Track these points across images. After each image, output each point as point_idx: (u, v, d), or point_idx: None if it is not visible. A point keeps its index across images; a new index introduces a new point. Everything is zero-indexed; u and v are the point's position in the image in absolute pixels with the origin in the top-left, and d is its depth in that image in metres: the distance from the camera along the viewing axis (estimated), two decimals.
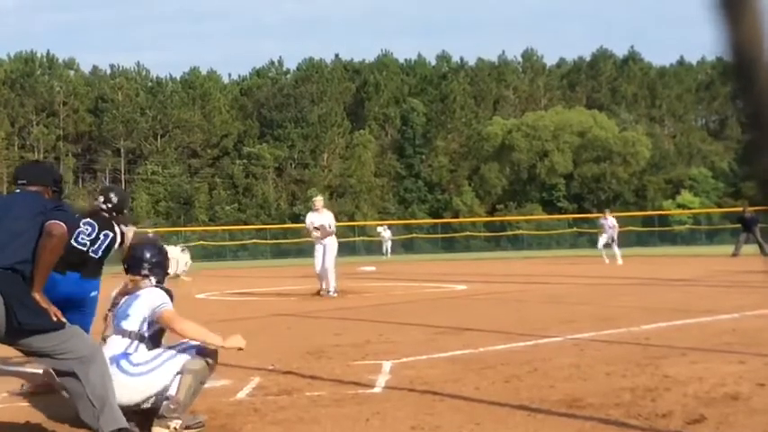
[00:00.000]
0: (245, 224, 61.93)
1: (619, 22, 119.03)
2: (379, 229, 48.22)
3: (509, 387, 5.88)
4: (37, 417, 5.44)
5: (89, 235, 6.69)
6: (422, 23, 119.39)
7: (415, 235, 57.50)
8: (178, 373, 4.90)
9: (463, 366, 6.89)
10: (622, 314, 10.76)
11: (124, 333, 5.03)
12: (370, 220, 61.02)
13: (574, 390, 5.64)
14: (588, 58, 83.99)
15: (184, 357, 4.97)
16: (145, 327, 5.04)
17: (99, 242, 6.73)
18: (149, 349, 5.02)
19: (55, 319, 4.49)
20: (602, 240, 27.37)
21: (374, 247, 48.76)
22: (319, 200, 17.09)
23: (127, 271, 5.45)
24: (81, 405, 4.51)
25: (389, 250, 45.95)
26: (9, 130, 68.96)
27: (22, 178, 5.07)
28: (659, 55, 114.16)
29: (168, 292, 5.27)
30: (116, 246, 6.83)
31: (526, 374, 6.35)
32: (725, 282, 16.66)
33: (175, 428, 4.79)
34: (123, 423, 4.55)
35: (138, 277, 5.34)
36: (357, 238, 52.41)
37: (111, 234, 6.80)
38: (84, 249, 6.63)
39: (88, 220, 6.79)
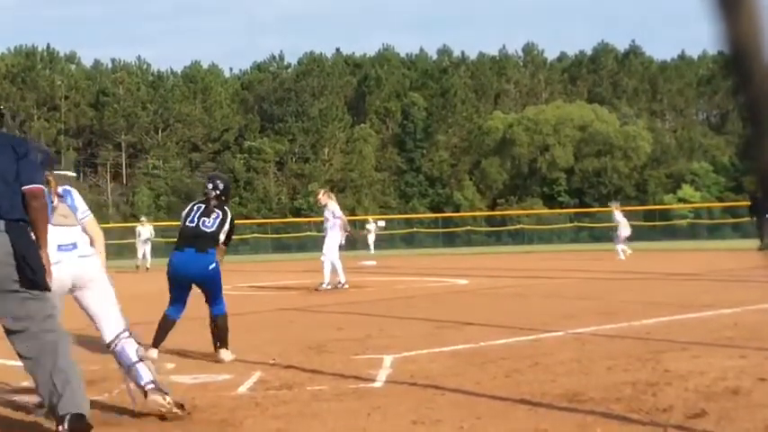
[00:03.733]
0: (246, 218, 61.95)
1: (620, 17, 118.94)
2: (372, 222, 47.84)
3: (510, 381, 5.88)
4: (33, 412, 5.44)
5: (199, 215, 7.62)
6: (423, 17, 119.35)
7: (416, 229, 57.49)
8: (138, 362, 5.22)
9: (464, 361, 6.90)
10: (623, 308, 10.77)
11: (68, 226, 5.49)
12: (372, 214, 60.94)
13: (575, 384, 5.64)
14: (589, 53, 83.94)
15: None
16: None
17: (211, 220, 7.58)
18: None
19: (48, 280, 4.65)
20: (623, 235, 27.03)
21: (375, 242, 48.62)
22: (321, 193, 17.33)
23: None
24: (43, 386, 4.55)
25: (372, 245, 44.61)
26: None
27: None
28: (660, 49, 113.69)
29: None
30: (226, 226, 7.68)
31: (527, 369, 6.35)
32: (726, 276, 16.66)
33: (169, 402, 5.05)
34: (81, 409, 4.53)
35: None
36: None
37: (220, 213, 7.67)
38: (194, 225, 7.54)
39: (197, 203, 7.83)
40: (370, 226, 45.56)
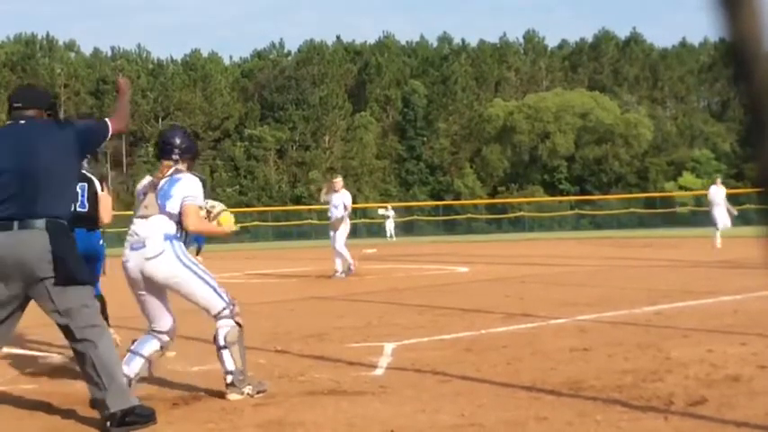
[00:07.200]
0: (247, 206, 61.92)
1: (621, 4, 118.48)
2: (381, 211, 48.14)
3: (511, 369, 5.88)
4: (41, 399, 5.45)
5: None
6: (423, 4, 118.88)
7: (416, 217, 57.48)
8: (223, 348, 5.28)
9: (465, 348, 6.90)
10: (624, 296, 10.77)
11: (170, 215, 5.35)
12: (372, 202, 60.95)
13: (575, 372, 5.64)
14: (590, 40, 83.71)
15: (208, 291, 5.36)
16: None
17: (80, 197, 7.16)
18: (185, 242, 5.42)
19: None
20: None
21: (375, 229, 48.69)
22: (339, 181, 16.81)
23: (158, 157, 5.70)
24: (90, 381, 4.59)
25: (393, 233, 45.19)
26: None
27: (18, 102, 4.98)
28: (661, 36, 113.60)
29: (203, 180, 5.65)
30: (98, 191, 7.39)
31: (528, 356, 6.35)
32: (727, 263, 16.66)
33: (248, 394, 5.22)
34: (132, 402, 4.59)
35: (169, 162, 5.56)
36: (359, 221, 52.37)
37: (85, 185, 7.26)
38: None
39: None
40: (389, 212, 46.06)
